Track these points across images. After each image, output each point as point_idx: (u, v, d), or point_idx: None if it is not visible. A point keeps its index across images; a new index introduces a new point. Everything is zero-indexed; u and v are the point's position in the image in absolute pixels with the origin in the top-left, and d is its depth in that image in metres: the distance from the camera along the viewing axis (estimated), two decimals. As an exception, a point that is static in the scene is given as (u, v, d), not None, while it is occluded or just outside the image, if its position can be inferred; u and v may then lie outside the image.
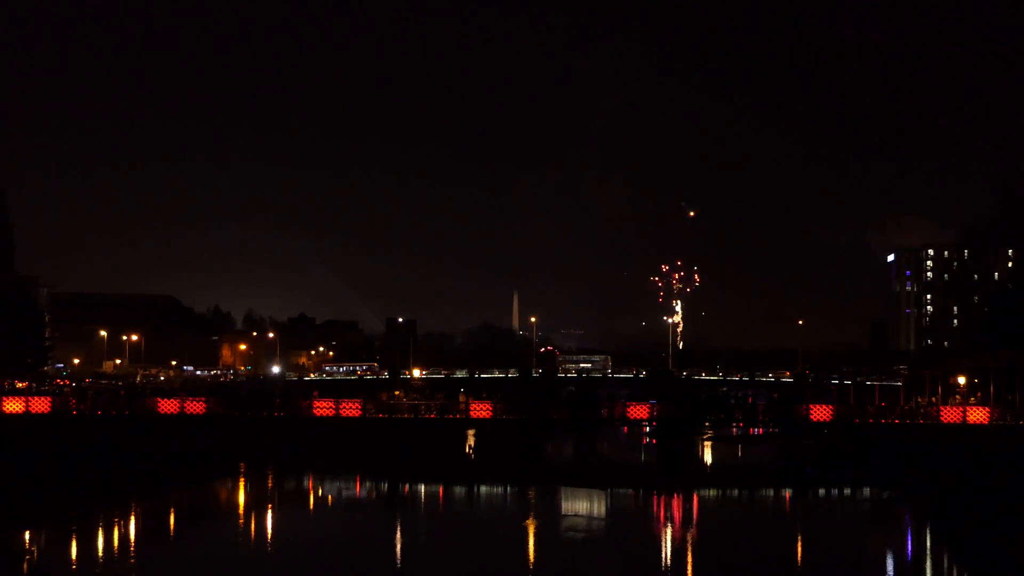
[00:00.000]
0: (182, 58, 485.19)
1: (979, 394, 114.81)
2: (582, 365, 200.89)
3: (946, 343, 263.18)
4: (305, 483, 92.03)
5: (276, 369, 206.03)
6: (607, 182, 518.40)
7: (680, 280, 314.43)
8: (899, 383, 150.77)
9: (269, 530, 67.73)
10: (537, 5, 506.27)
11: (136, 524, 68.95)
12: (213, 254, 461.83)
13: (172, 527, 68.97)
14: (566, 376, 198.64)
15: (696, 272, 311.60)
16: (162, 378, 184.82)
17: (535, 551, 60.70)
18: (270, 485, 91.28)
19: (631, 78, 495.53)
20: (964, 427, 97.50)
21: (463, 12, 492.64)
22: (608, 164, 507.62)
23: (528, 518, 72.26)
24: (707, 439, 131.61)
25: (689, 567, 56.53)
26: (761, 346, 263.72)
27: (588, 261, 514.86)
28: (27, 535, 63.21)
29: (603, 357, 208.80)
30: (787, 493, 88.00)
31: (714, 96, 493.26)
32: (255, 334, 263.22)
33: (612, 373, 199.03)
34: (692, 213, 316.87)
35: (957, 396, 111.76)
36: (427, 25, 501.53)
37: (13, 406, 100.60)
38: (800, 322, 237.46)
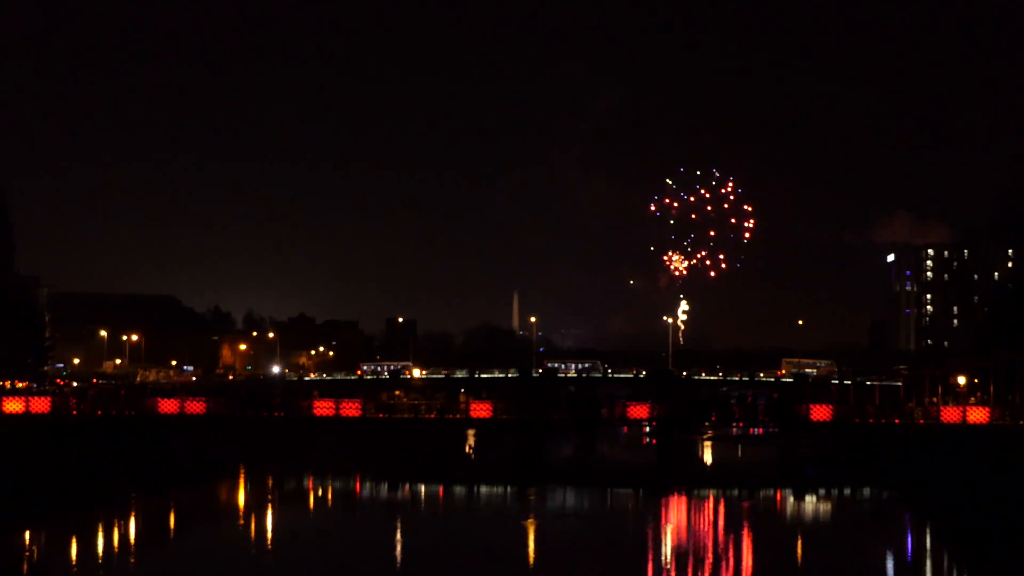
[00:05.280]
0: (180, 57, 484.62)
1: (979, 394, 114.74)
2: (806, 370, 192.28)
3: (946, 343, 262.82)
4: (305, 483, 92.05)
5: (276, 369, 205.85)
6: (604, 182, 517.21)
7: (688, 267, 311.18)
8: (899, 383, 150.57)
9: (269, 530, 67.74)
10: (533, 6, 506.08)
11: (136, 524, 68.96)
12: (213, 254, 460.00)
13: (172, 527, 68.98)
14: (566, 376, 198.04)
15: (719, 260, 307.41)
16: (151, 378, 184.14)
17: (535, 551, 60.71)
18: (270, 485, 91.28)
19: (626, 78, 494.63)
20: (964, 427, 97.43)
21: (461, 16, 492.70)
22: (604, 164, 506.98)
23: (528, 518, 72.25)
24: (707, 439, 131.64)
25: (689, 567, 56.51)
26: (761, 346, 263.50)
27: (587, 261, 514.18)
28: (27, 535, 63.22)
29: (828, 363, 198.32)
30: (787, 493, 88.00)
31: (710, 95, 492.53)
32: (255, 334, 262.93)
33: (612, 373, 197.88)
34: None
35: (948, 399, 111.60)
36: (428, 26, 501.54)
37: (13, 406, 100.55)
38: (800, 322, 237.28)
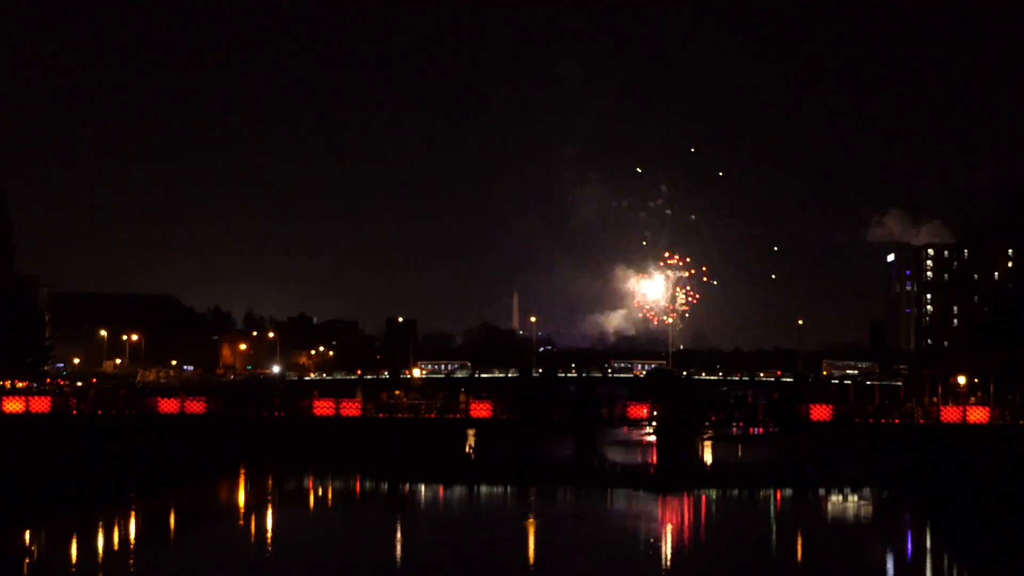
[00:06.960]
0: (181, 58, 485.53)
1: (979, 394, 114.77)
2: (847, 372, 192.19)
3: (946, 343, 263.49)
4: (305, 483, 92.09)
5: (276, 369, 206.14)
6: (603, 183, 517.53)
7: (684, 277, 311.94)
8: (899, 383, 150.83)
9: (269, 530, 67.76)
10: (529, 8, 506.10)
11: (136, 524, 68.97)
12: (213, 254, 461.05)
13: (172, 527, 69.00)
14: (566, 376, 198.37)
15: (701, 272, 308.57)
16: (151, 378, 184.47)
17: (535, 551, 60.73)
18: (270, 485, 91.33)
19: (624, 79, 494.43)
20: (964, 427, 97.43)
21: (460, 17, 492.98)
22: (602, 165, 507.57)
23: (528, 518, 72.26)
24: (707, 439, 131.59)
25: (689, 567, 56.52)
26: (761, 346, 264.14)
27: (587, 261, 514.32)
28: (27, 535, 63.23)
29: (869, 364, 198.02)
30: (787, 493, 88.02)
31: (708, 95, 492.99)
32: (255, 334, 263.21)
33: (613, 373, 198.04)
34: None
35: (948, 399, 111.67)
36: (427, 26, 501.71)
37: (13, 406, 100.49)
38: (800, 322, 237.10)
